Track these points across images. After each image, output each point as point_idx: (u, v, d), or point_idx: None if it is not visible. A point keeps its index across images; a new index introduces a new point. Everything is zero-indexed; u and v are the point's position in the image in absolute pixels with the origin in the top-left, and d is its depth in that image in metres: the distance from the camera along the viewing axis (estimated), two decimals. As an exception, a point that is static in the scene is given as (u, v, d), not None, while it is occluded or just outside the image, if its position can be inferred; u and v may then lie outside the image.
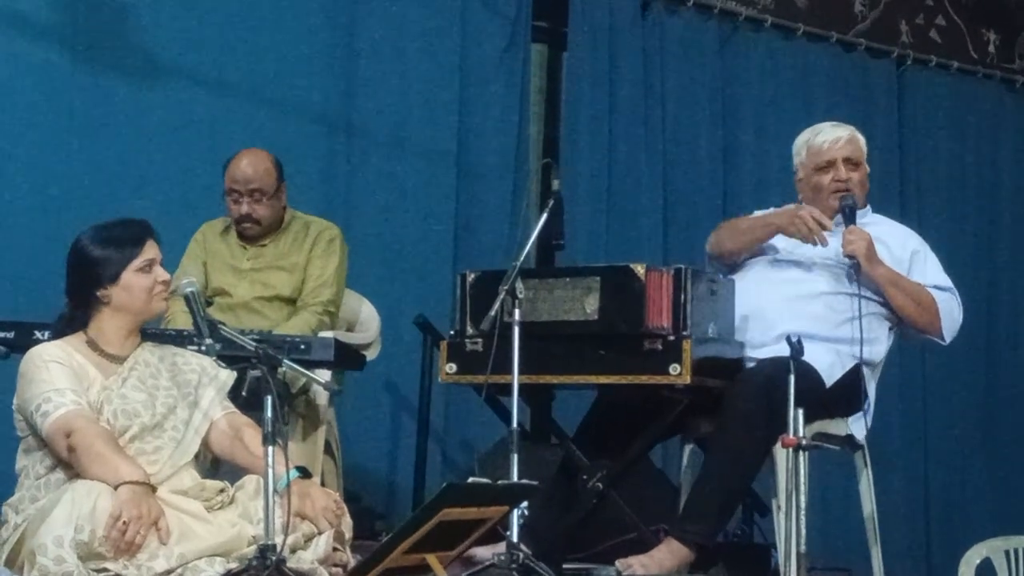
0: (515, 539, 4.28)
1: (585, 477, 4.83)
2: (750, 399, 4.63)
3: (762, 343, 4.89)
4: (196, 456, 4.10)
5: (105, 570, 3.67)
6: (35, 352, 4.02)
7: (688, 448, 5.07)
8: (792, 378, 4.15)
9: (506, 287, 4.46)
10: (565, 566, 4.84)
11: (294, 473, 3.86)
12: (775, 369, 4.48)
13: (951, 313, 5.05)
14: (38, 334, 4.57)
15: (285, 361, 3.95)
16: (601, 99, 7.15)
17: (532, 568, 4.24)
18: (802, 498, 4.08)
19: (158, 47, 6.14)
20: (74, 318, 4.08)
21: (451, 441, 6.64)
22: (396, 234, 6.62)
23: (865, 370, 4.91)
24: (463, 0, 6.84)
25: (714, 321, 4.77)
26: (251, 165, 5.41)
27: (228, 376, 4.19)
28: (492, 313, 4.45)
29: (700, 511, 4.69)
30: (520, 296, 4.47)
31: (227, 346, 4.00)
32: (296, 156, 6.03)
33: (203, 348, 3.95)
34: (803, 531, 4.08)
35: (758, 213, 5.27)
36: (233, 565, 3.76)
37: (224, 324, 4.09)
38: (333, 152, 6.55)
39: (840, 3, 7.93)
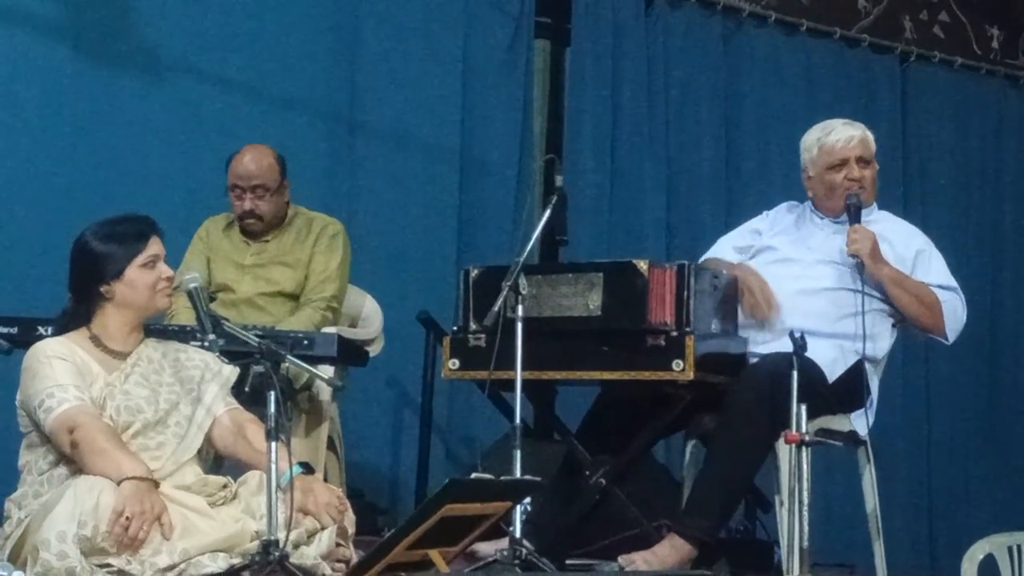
0: (518, 535, 4.29)
1: (588, 473, 4.83)
2: (753, 395, 4.63)
3: (765, 339, 4.89)
4: (199, 452, 4.10)
5: (108, 565, 3.67)
6: (38, 348, 4.02)
7: (691, 444, 5.07)
8: (795, 374, 4.15)
9: (509, 283, 4.46)
10: (568, 562, 4.85)
11: (297, 469, 3.86)
12: (778, 365, 4.48)
13: (955, 313, 5.05)
14: (41, 330, 4.57)
15: (288, 357, 3.96)
16: (604, 95, 7.16)
17: (535, 564, 4.24)
18: (805, 494, 4.08)
19: (162, 44, 6.15)
20: (77, 314, 4.08)
21: (454, 437, 6.64)
22: (399, 230, 6.62)
23: (868, 366, 4.91)
24: (467, -4, 6.86)
25: (717, 317, 4.77)
26: (254, 161, 5.41)
27: (231, 372, 4.20)
28: (495, 309, 4.46)
29: (702, 507, 4.69)
30: (523, 292, 4.47)
31: (230, 342, 4.00)
32: (299, 152, 6.04)
33: (206, 344, 3.95)
34: (806, 527, 4.08)
35: (742, 229, 5.27)
36: (236, 560, 3.76)
37: (227, 320, 4.10)
38: (336, 148, 6.55)
39: (843, -1, 7.94)
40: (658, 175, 7.27)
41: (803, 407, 4.12)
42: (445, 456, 6.62)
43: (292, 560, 3.72)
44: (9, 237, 5.79)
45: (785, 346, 4.39)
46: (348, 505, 4.06)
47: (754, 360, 4.84)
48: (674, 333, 4.59)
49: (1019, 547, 4.36)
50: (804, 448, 4.10)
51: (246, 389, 4.42)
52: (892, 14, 8.06)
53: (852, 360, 4.87)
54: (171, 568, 3.72)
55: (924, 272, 5.03)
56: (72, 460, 3.90)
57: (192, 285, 3.97)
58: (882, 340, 5.02)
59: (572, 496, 4.90)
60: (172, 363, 4.15)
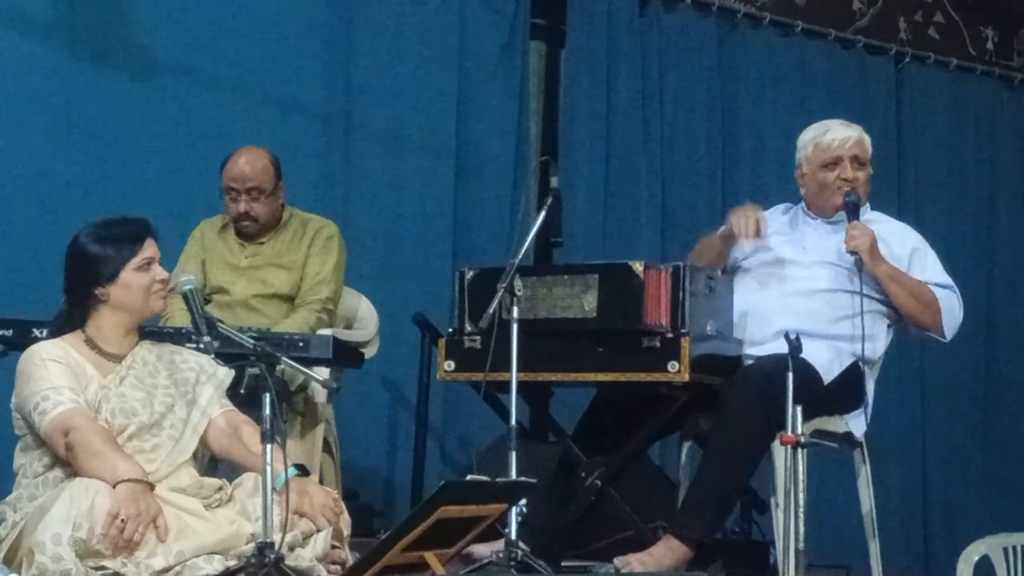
0: (513, 536, 4.28)
1: (583, 474, 4.83)
2: (748, 396, 4.63)
3: (761, 340, 4.89)
4: (194, 454, 4.10)
5: (103, 568, 3.67)
6: (33, 350, 4.02)
7: (686, 445, 5.07)
8: (791, 375, 4.15)
9: (504, 284, 4.46)
10: (563, 563, 4.85)
11: (292, 471, 3.86)
12: (773, 366, 4.48)
13: (952, 310, 5.05)
14: (36, 332, 4.57)
15: (283, 359, 3.96)
16: (600, 96, 7.16)
17: (530, 565, 4.24)
18: (800, 495, 4.08)
19: (157, 46, 6.14)
20: (72, 316, 4.08)
21: (449, 438, 6.64)
22: (394, 232, 6.62)
23: (863, 367, 4.91)
24: (462, -2, 6.86)
25: (712, 318, 4.77)
26: (249, 163, 5.41)
27: (226, 374, 4.19)
28: (490, 310, 4.46)
29: (698, 508, 4.69)
30: (518, 293, 4.47)
31: (225, 344, 4.00)
32: (294, 154, 6.04)
33: (201, 346, 3.95)
34: (801, 528, 4.08)
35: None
36: (231, 563, 3.76)
37: (222, 322, 4.10)
38: (331, 150, 6.55)
39: (838, 0, 7.93)
40: (653, 176, 7.27)
41: (799, 408, 4.12)
42: (441, 458, 6.62)
43: (288, 562, 3.72)
44: (3, 239, 5.79)
45: (780, 347, 4.39)
46: (344, 507, 4.06)
47: (749, 361, 4.84)
48: (669, 334, 4.60)
49: (1015, 548, 4.36)
50: (800, 449, 4.10)
51: (241, 391, 4.43)
52: (887, 15, 8.06)
53: (848, 361, 4.88)
54: (166, 570, 3.71)
55: (920, 270, 5.04)
56: (67, 463, 3.90)
57: (187, 287, 3.97)
58: (878, 341, 5.02)
59: (568, 497, 4.90)
60: (167, 365, 4.15)
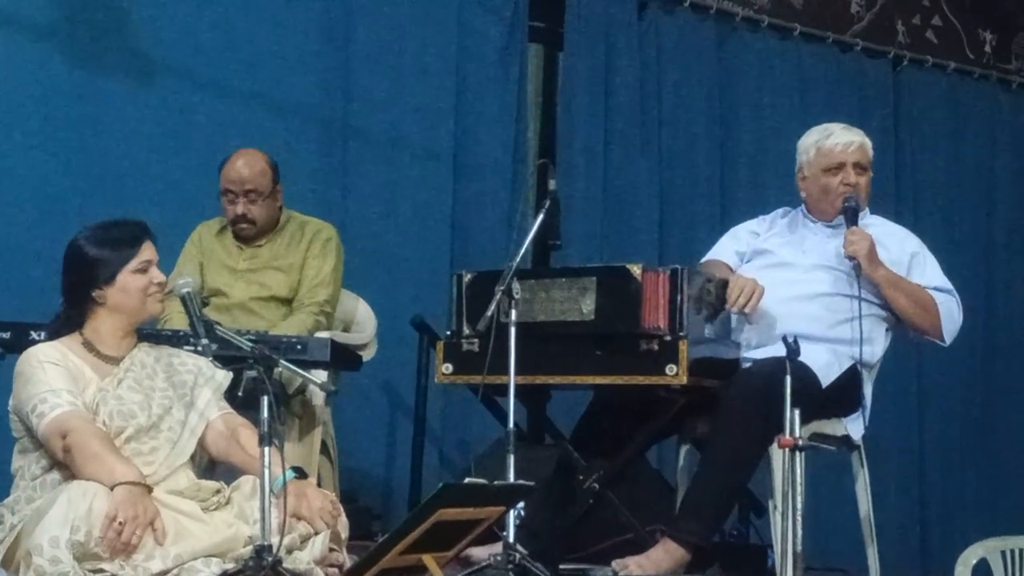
0: (511, 539, 4.28)
1: (581, 477, 4.83)
2: (746, 399, 4.63)
3: (759, 343, 4.89)
4: (192, 457, 4.10)
5: (101, 571, 3.66)
6: (31, 353, 4.02)
7: (684, 448, 5.07)
8: (788, 378, 4.15)
9: (502, 287, 4.46)
10: (561, 566, 4.84)
11: (290, 473, 3.86)
12: (771, 369, 4.47)
13: (951, 315, 5.05)
14: (34, 334, 4.57)
15: (281, 361, 3.95)
16: (598, 99, 7.16)
17: (528, 568, 4.24)
18: (798, 498, 4.08)
19: (155, 48, 6.14)
20: (70, 318, 4.08)
21: (447, 441, 6.64)
22: (392, 234, 6.62)
23: (862, 371, 4.91)
24: (459, 0, 6.84)
25: (710, 321, 4.77)
26: (247, 166, 5.40)
27: (224, 376, 4.19)
28: (488, 313, 4.45)
29: (696, 511, 4.69)
30: (516, 296, 4.47)
31: (223, 346, 4.00)
32: (292, 156, 6.04)
33: (199, 348, 3.95)
34: (799, 531, 4.08)
35: (736, 231, 5.27)
36: (229, 566, 3.76)
37: (220, 324, 4.10)
38: (329, 152, 6.55)
39: (837, 3, 7.94)
40: (651, 179, 7.27)
41: (796, 412, 4.12)
42: (438, 461, 6.61)
43: (285, 565, 3.72)
44: (1, 241, 5.78)
45: (779, 351, 4.39)
46: (341, 510, 4.06)
47: (747, 365, 4.84)
48: (667, 337, 4.60)
49: (1013, 552, 4.36)
50: (798, 452, 4.10)
51: (239, 394, 4.43)
52: (885, 18, 8.07)
53: (846, 365, 4.88)
54: (164, 573, 3.71)
55: (919, 275, 5.04)
56: (65, 465, 3.90)
57: (185, 290, 3.97)
58: (876, 345, 5.02)
59: (566, 501, 4.90)
60: (165, 368, 4.14)
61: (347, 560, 4.01)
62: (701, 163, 7.43)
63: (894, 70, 8.08)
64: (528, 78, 7.12)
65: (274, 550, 3.65)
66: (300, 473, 3.98)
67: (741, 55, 7.61)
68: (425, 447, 6.42)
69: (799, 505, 4.08)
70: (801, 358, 4.38)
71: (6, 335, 4.81)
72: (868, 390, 5.00)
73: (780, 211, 5.29)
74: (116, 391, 4.01)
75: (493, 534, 4.30)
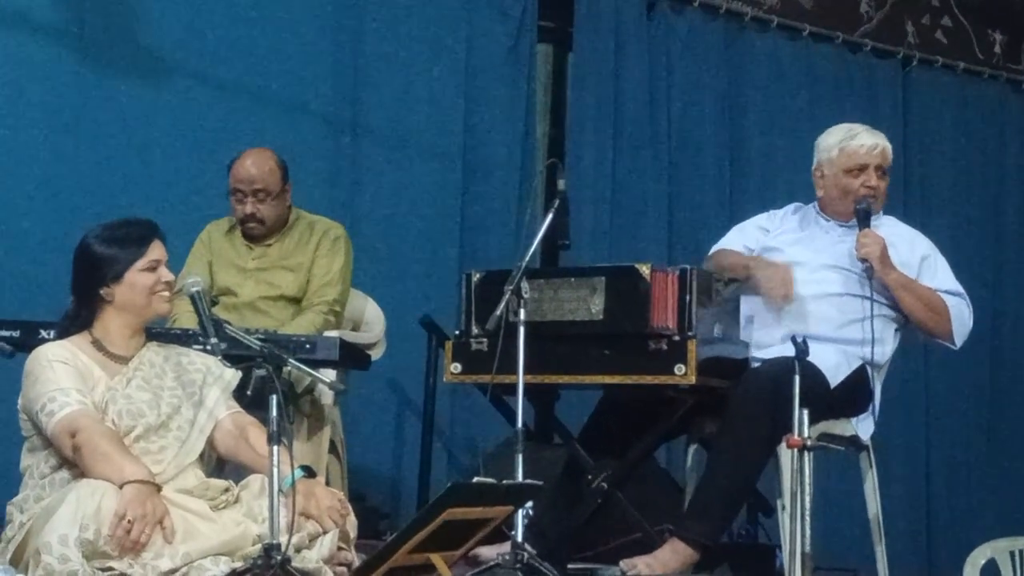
0: (520, 539, 4.29)
1: (590, 477, 4.83)
2: (755, 399, 4.63)
3: (768, 343, 4.89)
4: (201, 455, 4.10)
5: (110, 569, 3.67)
6: (40, 352, 4.02)
7: (693, 448, 5.08)
8: (797, 378, 4.14)
9: (511, 287, 4.46)
10: (570, 566, 4.84)
11: (299, 472, 3.86)
12: (780, 369, 4.47)
13: (962, 317, 5.05)
14: (43, 333, 4.58)
15: (290, 360, 3.96)
16: (607, 99, 7.16)
17: (536, 568, 4.24)
18: (807, 499, 4.07)
19: (164, 47, 6.15)
20: (79, 316, 4.08)
21: (456, 441, 6.64)
22: (401, 234, 6.62)
23: (870, 371, 4.91)
24: (469, 1, 6.85)
25: (719, 321, 4.77)
26: (255, 165, 5.41)
27: (233, 375, 4.20)
28: (497, 313, 4.46)
29: (704, 511, 4.69)
30: (525, 296, 4.47)
31: (232, 345, 4.01)
32: (301, 156, 6.04)
33: (208, 347, 3.96)
34: (808, 532, 4.07)
35: (744, 226, 5.26)
36: (238, 564, 3.76)
37: (229, 323, 4.10)
38: (338, 152, 6.56)
39: (846, 3, 7.93)
40: (660, 179, 7.27)
41: (805, 412, 4.12)
42: (447, 460, 6.62)
43: (294, 564, 3.72)
44: (11, 240, 5.80)
45: (787, 351, 4.39)
46: (350, 509, 4.06)
47: (756, 364, 4.84)
48: (676, 337, 4.60)
49: (1021, 552, 4.36)
50: (806, 452, 4.10)
51: (248, 393, 4.43)
52: (894, 19, 8.06)
53: (855, 365, 4.87)
54: (173, 572, 3.71)
55: (930, 277, 5.03)
56: (74, 464, 3.90)
57: (194, 289, 3.98)
58: (885, 345, 5.02)
59: (574, 500, 4.90)
60: (174, 367, 4.15)
61: (355, 559, 4.02)
62: (710, 163, 7.43)
63: (903, 70, 8.07)
64: (537, 78, 7.13)
65: (282, 549, 3.66)
66: (309, 472, 3.98)
67: (750, 55, 7.61)
68: (433, 446, 6.43)
69: (807, 505, 4.07)
70: (810, 358, 4.38)
71: (15, 334, 4.82)
72: (877, 390, 5.00)
73: (791, 207, 5.27)
74: (125, 390, 4.02)
75: (501, 533, 4.31)
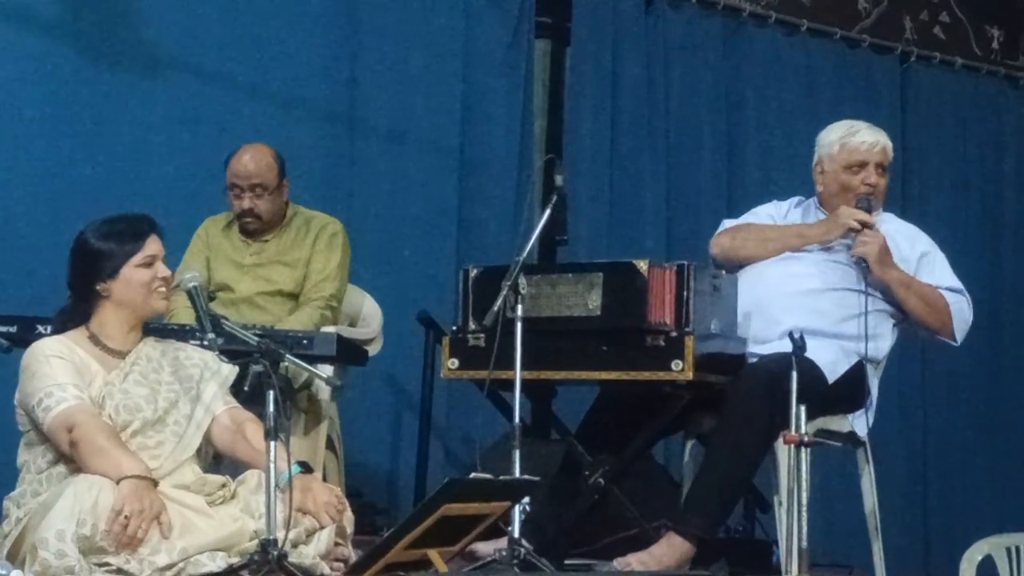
0: (517, 534, 4.29)
1: (587, 473, 4.83)
2: (752, 395, 4.63)
3: (765, 339, 4.88)
4: (198, 451, 4.11)
5: (107, 564, 3.67)
6: (37, 347, 4.02)
7: (690, 444, 5.07)
8: (794, 374, 4.14)
9: (509, 283, 4.46)
10: (567, 562, 4.84)
11: (296, 468, 3.86)
12: (777, 365, 4.47)
13: (962, 314, 5.05)
14: (40, 328, 4.57)
15: (287, 356, 3.96)
16: (604, 95, 7.16)
17: (534, 563, 4.24)
18: (804, 494, 4.08)
19: (162, 42, 6.15)
20: (76, 312, 4.08)
21: (453, 436, 6.64)
22: (399, 229, 6.62)
23: (868, 367, 4.91)
24: (466, -4, 6.86)
25: (717, 317, 4.77)
26: (253, 160, 5.40)
27: (230, 371, 4.19)
28: (495, 309, 4.46)
29: (701, 505, 4.69)
30: (523, 292, 4.47)
31: (229, 341, 4.00)
32: (299, 151, 6.03)
33: (205, 343, 3.96)
34: (804, 527, 4.08)
35: (757, 211, 5.26)
36: (235, 559, 3.77)
37: (227, 319, 4.10)
38: (336, 147, 6.55)
39: (844, -1, 7.95)
40: (658, 175, 7.27)
41: (802, 407, 4.12)
42: (444, 456, 6.62)
43: (291, 559, 3.73)
44: (9, 235, 5.79)
45: (785, 346, 4.39)
46: (347, 504, 4.07)
47: (753, 360, 4.84)
48: (673, 333, 4.59)
49: (1018, 548, 4.37)
50: (803, 448, 4.10)
51: (245, 388, 4.41)
52: (893, 14, 8.06)
53: (852, 360, 4.87)
54: (170, 567, 3.72)
55: (929, 274, 5.03)
56: (71, 459, 3.90)
57: (191, 284, 3.98)
58: (883, 341, 5.02)
59: (571, 496, 4.90)
60: (171, 362, 4.15)
61: (352, 554, 4.02)
62: (708, 159, 7.42)
63: (901, 66, 8.07)
64: (535, 74, 7.12)
65: (279, 544, 3.66)
66: (306, 467, 3.98)
67: (748, 51, 7.60)
68: (431, 442, 6.42)
69: (804, 501, 4.08)
70: (808, 354, 4.38)
71: (12, 329, 4.81)
72: (874, 386, 5.00)
73: (794, 200, 5.27)
74: (122, 385, 4.02)
75: (498, 529, 4.31)
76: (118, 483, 3.73)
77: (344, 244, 5.52)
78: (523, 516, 4.38)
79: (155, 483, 3.83)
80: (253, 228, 5.47)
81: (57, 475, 3.94)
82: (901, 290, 4.94)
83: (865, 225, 4.91)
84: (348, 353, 5.13)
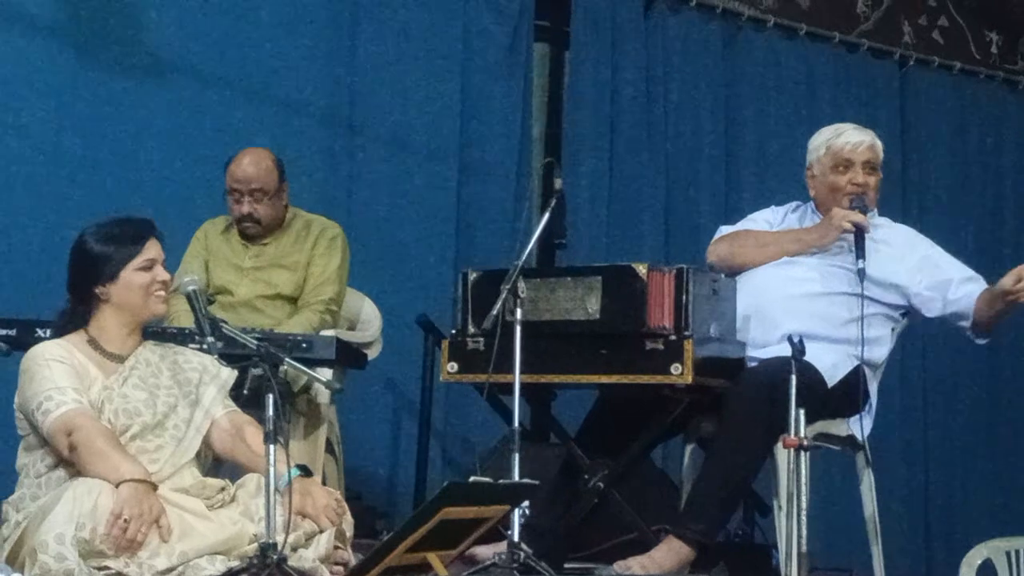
0: (516, 538, 4.28)
1: (586, 477, 4.83)
2: (751, 399, 4.63)
3: (765, 343, 4.88)
4: (197, 454, 4.10)
5: (106, 568, 3.67)
6: (36, 350, 4.02)
7: (689, 448, 5.07)
8: (794, 378, 4.14)
9: (508, 286, 4.46)
10: (566, 566, 4.84)
11: (295, 471, 3.86)
12: (777, 369, 4.47)
13: None
14: (40, 332, 4.57)
15: (287, 359, 3.96)
16: (603, 98, 7.16)
17: (533, 567, 4.24)
18: (803, 498, 4.08)
19: (161, 45, 6.15)
20: (75, 316, 4.08)
21: (452, 440, 6.64)
22: (398, 233, 6.62)
23: (867, 371, 4.91)
24: (465, -1, 6.86)
25: (716, 321, 4.76)
26: (253, 164, 5.41)
27: (229, 374, 4.19)
28: (494, 312, 4.46)
29: (701, 509, 4.69)
30: (522, 295, 4.47)
31: (229, 344, 4.00)
32: (298, 155, 6.04)
33: (205, 346, 3.96)
34: (804, 531, 4.08)
35: (755, 217, 5.27)
36: (234, 563, 3.76)
37: (226, 322, 4.10)
38: (335, 151, 6.55)
39: (843, 3, 7.93)
40: (657, 179, 7.27)
41: (802, 411, 4.12)
42: (443, 459, 6.61)
43: (290, 563, 3.72)
44: (8, 239, 5.80)
45: (785, 350, 4.39)
46: (346, 508, 4.06)
47: (753, 364, 4.84)
48: (673, 337, 4.59)
49: (1017, 552, 4.37)
50: (803, 452, 4.10)
51: (244, 392, 4.42)
52: (891, 19, 8.06)
53: (852, 364, 4.87)
54: (169, 571, 3.72)
55: (939, 271, 5.03)
56: (70, 463, 3.90)
57: (190, 288, 3.98)
58: (882, 345, 5.02)
59: (571, 500, 4.89)
60: (170, 366, 4.15)
61: (352, 558, 4.02)
62: (707, 163, 7.43)
63: (900, 70, 8.07)
64: (534, 77, 7.12)
65: (279, 548, 3.66)
66: (305, 471, 3.98)
67: (747, 55, 7.61)
68: (430, 446, 6.42)
69: (804, 505, 4.08)
70: (808, 358, 4.38)
71: (12, 332, 4.82)
72: (874, 390, 5.00)
73: (792, 205, 5.28)
74: (121, 389, 4.01)
75: (498, 533, 4.30)
76: (117, 487, 3.73)
77: (344, 247, 5.52)
78: (522, 520, 4.38)
79: (154, 487, 3.82)
80: (252, 232, 5.47)
81: (56, 479, 3.94)
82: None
83: (858, 226, 4.91)
84: (347, 357, 5.13)
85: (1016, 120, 8.44)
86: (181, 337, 4.56)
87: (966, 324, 5.07)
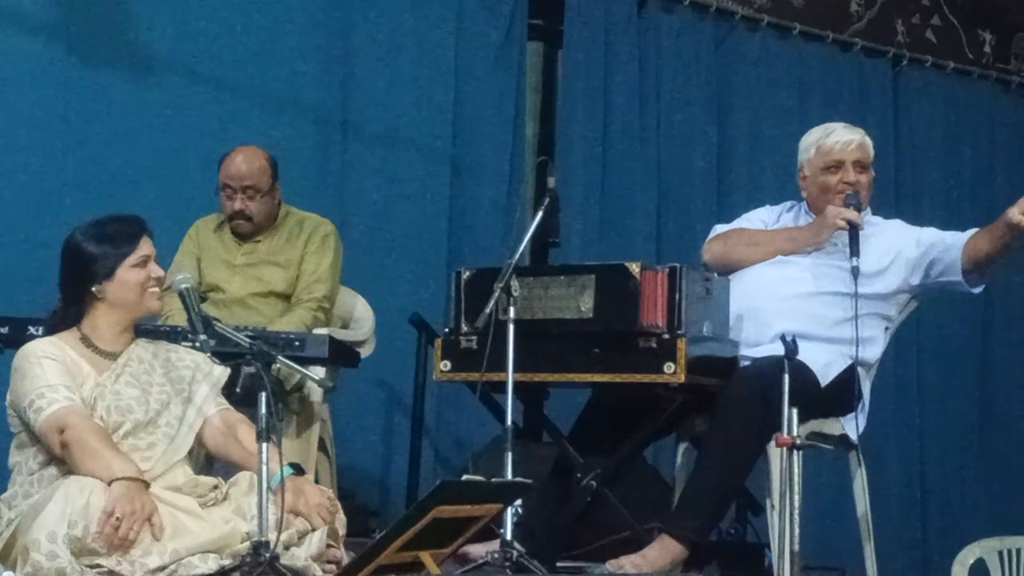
0: (509, 537, 4.28)
1: (579, 475, 4.82)
2: (744, 398, 4.63)
3: (758, 342, 4.88)
4: (190, 452, 4.10)
5: (98, 566, 3.67)
6: (28, 348, 4.02)
7: (682, 447, 5.07)
8: (786, 377, 4.14)
9: (501, 285, 4.46)
10: (559, 564, 4.84)
11: (288, 470, 3.86)
12: (769, 368, 4.46)
13: None
14: (32, 329, 4.57)
15: (279, 358, 3.95)
16: (597, 97, 7.15)
17: (525, 566, 4.24)
18: (796, 497, 4.08)
19: (154, 44, 6.14)
20: (68, 313, 4.08)
21: (445, 439, 6.63)
22: (391, 231, 6.61)
23: (860, 370, 4.91)
24: (459, -3, 6.86)
25: (709, 320, 4.76)
26: (245, 162, 5.40)
27: (222, 372, 4.19)
28: (487, 311, 4.45)
29: (693, 508, 4.69)
30: (515, 294, 4.47)
31: (221, 342, 4.00)
32: (291, 152, 6.03)
33: (197, 344, 3.95)
34: (797, 530, 4.08)
35: (750, 216, 5.27)
36: (226, 561, 3.76)
37: (218, 320, 4.09)
38: (328, 149, 6.54)
39: (836, 3, 7.94)
40: (649, 177, 7.26)
41: (794, 411, 4.12)
42: (436, 458, 6.61)
43: (283, 561, 3.72)
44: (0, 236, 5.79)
45: (777, 349, 4.38)
46: (339, 506, 4.06)
47: (746, 363, 4.84)
48: (666, 336, 4.59)
49: (1010, 551, 4.37)
50: (795, 451, 4.10)
51: (237, 390, 4.42)
52: (884, 18, 8.07)
53: (845, 364, 4.87)
54: (161, 569, 3.71)
55: (941, 237, 5.13)
56: (62, 460, 3.90)
57: (183, 286, 3.97)
58: (875, 344, 5.02)
59: (563, 498, 4.90)
60: (163, 363, 4.14)
61: (344, 556, 4.01)
62: (699, 162, 7.42)
63: (893, 70, 8.07)
64: (527, 76, 7.12)
65: (271, 546, 3.66)
66: (298, 469, 3.98)
67: (740, 54, 7.60)
68: (423, 444, 6.42)
69: (796, 504, 4.08)
70: (801, 357, 4.37)
71: (4, 330, 4.81)
72: (867, 389, 5.00)
73: (787, 204, 5.28)
74: (114, 386, 4.01)
75: (490, 531, 4.30)
76: (109, 484, 3.73)
77: (336, 245, 5.52)
78: (515, 518, 4.37)
79: (147, 485, 3.82)
80: (245, 230, 5.47)
81: (48, 477, 3.93)
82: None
83: (852, 223, 4.92)
84: (340, 355, 5.13)
85: (1009, 119, 8.45)
86: (174, 335, 4.56)
87: (959, 263, 5.13)
